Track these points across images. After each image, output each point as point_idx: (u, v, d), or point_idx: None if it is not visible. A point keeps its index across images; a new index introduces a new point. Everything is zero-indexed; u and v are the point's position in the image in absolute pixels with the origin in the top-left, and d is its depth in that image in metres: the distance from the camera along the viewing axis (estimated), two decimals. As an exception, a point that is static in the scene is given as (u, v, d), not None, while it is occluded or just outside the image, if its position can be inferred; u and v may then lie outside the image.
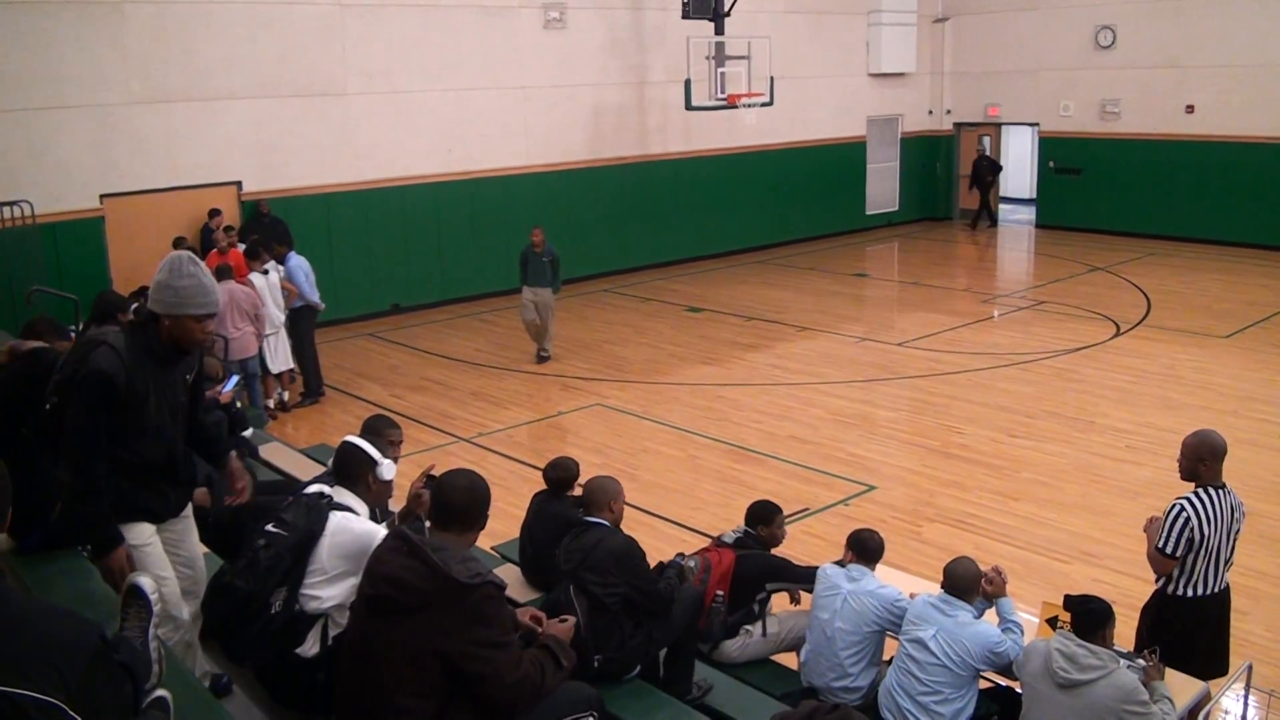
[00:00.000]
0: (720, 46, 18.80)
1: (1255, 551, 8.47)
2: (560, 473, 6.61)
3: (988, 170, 24.09)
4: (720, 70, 18.75)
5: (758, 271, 20.38)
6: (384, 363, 14.61)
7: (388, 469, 4.49)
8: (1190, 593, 5.54)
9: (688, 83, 18.34)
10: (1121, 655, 4.96)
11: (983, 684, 5.40)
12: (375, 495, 4.52)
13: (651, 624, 5.25)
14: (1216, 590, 5.58)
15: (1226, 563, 5.59)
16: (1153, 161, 22.02)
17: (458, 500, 3.85)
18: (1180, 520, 5.42)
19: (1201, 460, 5.49)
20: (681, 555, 6.06)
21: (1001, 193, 25.80)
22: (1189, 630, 5.52)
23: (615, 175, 19.63)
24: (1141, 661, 5.11)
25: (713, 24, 18.82)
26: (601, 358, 14.57)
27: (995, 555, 8.05)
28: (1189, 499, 5.46)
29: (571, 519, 6.48)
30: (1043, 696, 4.79)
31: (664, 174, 20.34)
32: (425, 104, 17.11)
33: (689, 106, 18.64)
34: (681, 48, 18.41)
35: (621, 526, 5.47)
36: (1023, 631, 5.33)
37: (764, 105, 19.39)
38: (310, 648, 4.17)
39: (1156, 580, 5.70)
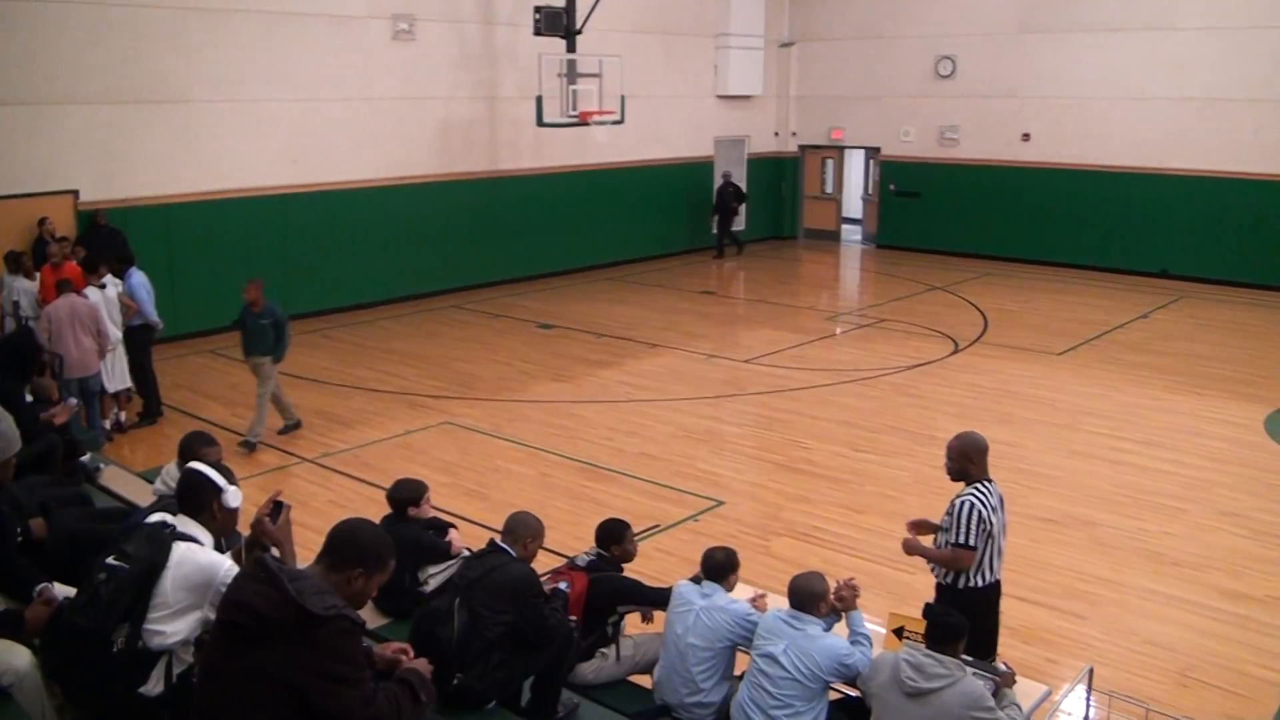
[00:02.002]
0: (572, 64, 18.84)
1: (1091, 558, 8.88)
2: (404, 492, 6.54)
3: (733, 198, 23.77)
4: (572, 88, 18.78)
5: (608, 288, 20.47)
6: (225, 381, 14.15)
7: (233, 496, 4.36)
8: (979, 582, 5.96)
9: (539, 99, 18.33)
10: (969, 664, 5.10)
11: (832, 695, 5.49)
12: (221, 524, 4.37)
13: (528, 657, 5.23)
14: (998, 577, 6.04)
15: (1001, 551, 6.02)
16: (989, 186, 22.97)
17: (339, 532, 3.72)
18: (975, 514, 5.83)
19: (970, 459, 5.97)
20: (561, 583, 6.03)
21: (845, 213, 26.50)
22: (980, 617, 5.81)
23: (465, 190, 19.47)
24: (1001, 665, 5.28)
25: (564, 41, 18.85)
26: (450, 375, 14.40)
27: (842, 567, 8.22)
28: (974, 493, 5.89)
29: (422, 541, 6.43)
30: (891, 706, 4.89)
31: (515, 190, 20.28)
32: (271, 114, 16.69)
33: (540, 123, 18.62)
34: (533, 64, 18.40)
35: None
36: (872, 643, 5.46)
37: (615, 123, 19.50)
38: (155, 686, 4.00)
39: (944, 578, 6.04)
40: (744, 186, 24.23)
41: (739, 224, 24.31)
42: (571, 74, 18.86)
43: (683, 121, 23.33)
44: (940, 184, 23.65)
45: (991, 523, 5.90)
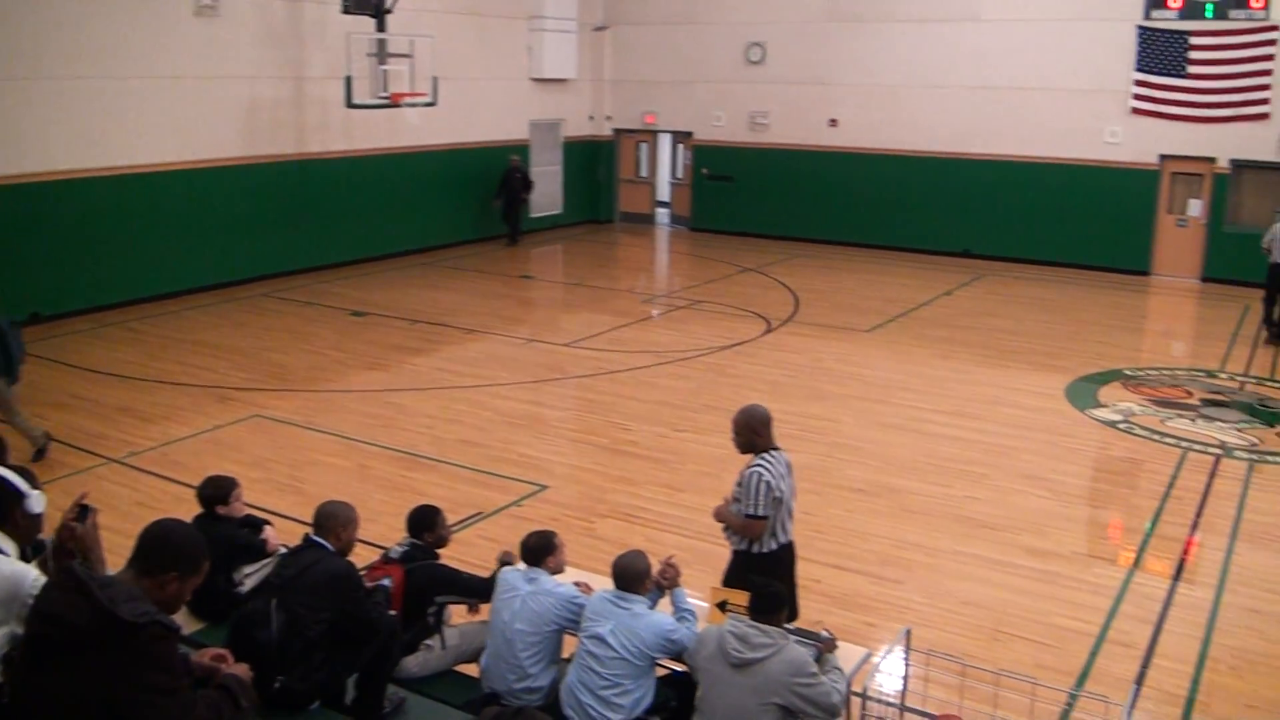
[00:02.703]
0: (382, 44, 18.43)
1: (905, 526, 9.19)
2: (213, 490, 6.28)
3: (521, 185, 22.88)
4: (382, 68, 18.38)
5: (423, 274, 20.12)
6: (23, 379, 13.29)
7: (36, 501, 4.11)
8: (773, 545, 6.21)
9: (348, 79, 17.87)
10: (791, 633, 5.19)
11: (660, 671, 5.51)
12: (24, 531, 4.11)
13: (351, 654, 5.07)
14: (789, 539, 6.32)
15: (791, 514, 6.28)
16: (799, 170, 23.54)
17: (150, 534, 3.54)
18: (764, 485, 6.02)
19: (755, 431, 6.18)
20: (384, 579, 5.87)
21: (659, 197, 26.73)
22: (777, 579, 5.88)
23: (272, 173, 18.80)
24: (823, 632, 5.38)
25: (374, 20, 18.41)
26: (260, 366, 13.90)
27: (666, 545, 8.25)
28: (761, 464, 6.08)
29: (235, 540, 6.18)
30: (718, 678, 4.94)
31: (324, 173, 19.69)
32: (68, 91, 15.68)
33: (349, 104, 18.15)
34: (342, 43, 17.93)
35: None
36: (696, 618, 5.51)
37: (427, 105, 19.18)
38: (-39, 710, 3.71)
39: (740, 544, 6.27)
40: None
41: (557, 210, 24.23)
42: (382, 54, 18.45)
43: (497, 104, 23.09)
44: (752, 168, 24.10)
45: (780, 490, 6.10)
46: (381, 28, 18.51)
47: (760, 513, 6.08)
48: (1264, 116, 19.35)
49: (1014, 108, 21.22)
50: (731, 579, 6.16)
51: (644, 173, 26.39)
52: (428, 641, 5.93)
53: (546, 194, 24.82)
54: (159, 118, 16.97)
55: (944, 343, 15.37)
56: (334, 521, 5.33)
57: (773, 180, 23.87)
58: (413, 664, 5.83)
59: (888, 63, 22.26)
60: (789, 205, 23.78)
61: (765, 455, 6.17)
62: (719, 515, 6.35)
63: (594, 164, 26.12)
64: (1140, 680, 6.95)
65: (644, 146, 26.14)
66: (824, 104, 23.11)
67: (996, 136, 21.51)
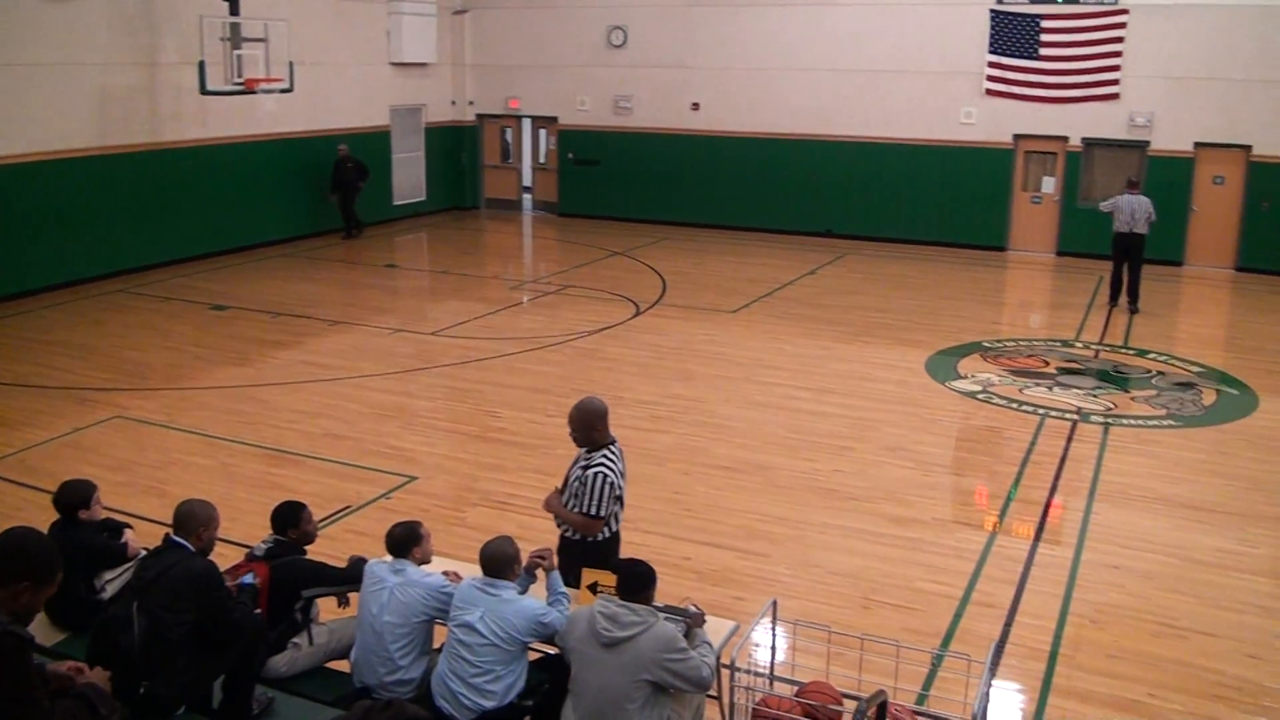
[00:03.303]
0: (236, 28, 17.91)
1: (771, 500, 9.36)
2: (71, 495, 6.08)
3: (354, 174, 21.67)
4: (236, 53, 17.86)
5: (285, 265, 19.68)
6: None
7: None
8: (604, 536, 6.29)
9: (202, 65, 17.34)
10: (661, 610, 5.24)
11: (533, 655, 5.52)
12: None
13: (216, 656, 4.97)
14: (618, 528, 6.42)
15: (623, 504, 6.41)
16: (663, 154, 23.68)
17: (3, 544, 3.48)
18: (607, 486, 6.14)
19: (593, 426, 6.23)
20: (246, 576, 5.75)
21: (526, 182, 26.60)
22: (606, 562, 6.10)
23: (126, 164, 18.11)
24: (691, 607, 5.45)
25: (228, 3, 17.88)
26: (119, 365, 13.44)
27: (538, 533, 8.23)
28: (605, 464, 6.16)
29: (95, 545, 5.99)
30: (589, 658, 4.96)
31: (180, 163, 19.06)
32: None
33: (204, 91, 17.60)
34: (195, 27, 17.38)
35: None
36: (569, 600, 5.52)
37: (284, 91, 18.75)
38: None
39: (572, 534, 6.36)
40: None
41: (420, 197, 23.89)
42: (236, 38, 17.93)
43: (356, 90, 22.65)
44: (617, 152, 24.16)
45: (620, 486, 6.23)
46: (235, 11, 17.99)
47: (602, 513, 6.18)
48: (1114, 96, 20.15)
49: (872, 89, 21.68)
50: (567, 567, 6.16)
51: (509, 158, 26.22)
52: (295, 639, 5.81)
53: (409, 181, 24.49)
54: (9, 108, 16.22)
55: (808, 321, 15.66)
56: (194, 521, 5.23)
57: (638, 164, 23.97)
58: (281, 663, 5.72)
59: (748, 46, 22.51)
60: (655, 189, 23.92)
61: (607, 451, 6.25)
62: (550, 507, 6.42)
63: (457, 150, 25.85)
64: (1004, 638, 7.22)
65: (508, 131, 25.97)
66: (687, 87, 23.28)
67: (856, 118, 21.95)
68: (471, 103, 25.75)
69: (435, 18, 24.22)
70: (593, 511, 6.19)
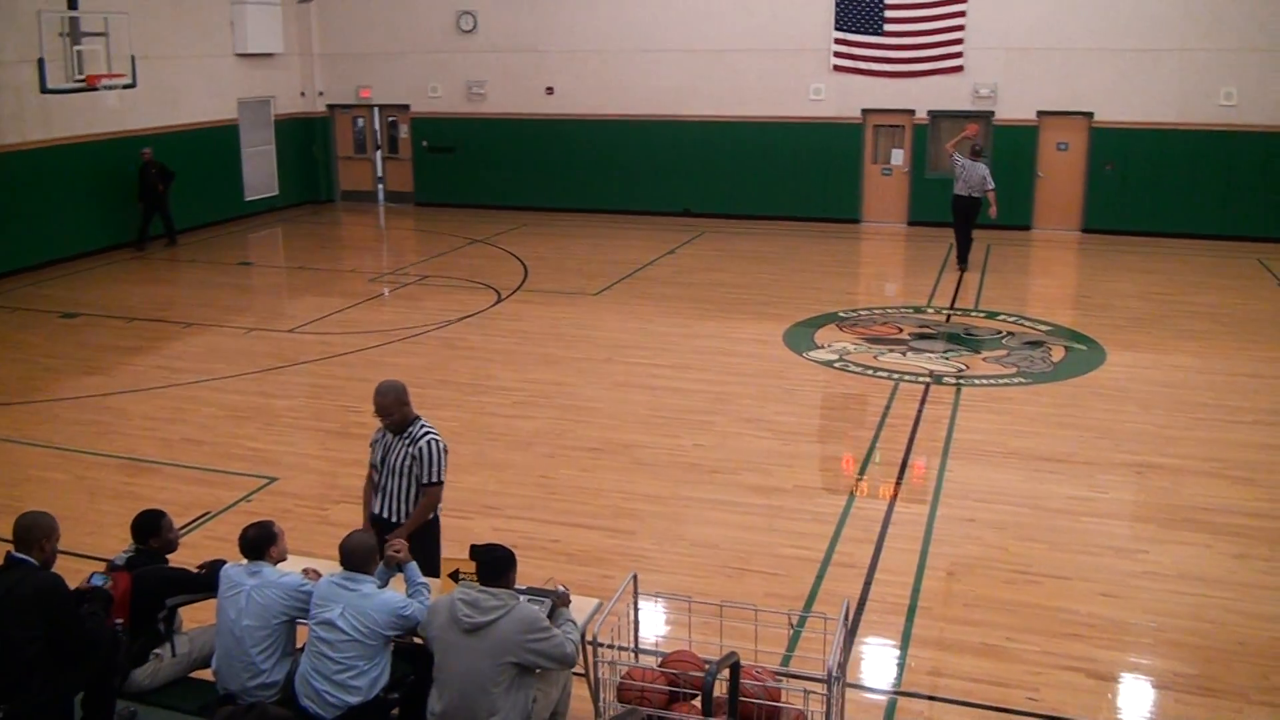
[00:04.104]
0: (75, 22, 17.26)
1: (637, 478, 9.49)
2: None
3: (157, 179, 20.04)
4: (76, 48, 17.21)
5: (135, 268, 19.05)
6: None
7: None
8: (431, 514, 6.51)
9: (40, 62, 16.66)
10: (522, 592, 5.28)
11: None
12: None
13: (73, 672, 4.84)
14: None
15: None
16: (520, 139, 23.60)
17: None
18: (443, 449, 6.41)
19: (405, 403, 6.44)
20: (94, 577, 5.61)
21: (381, 173, 26.23)
22: (435, 542, 6.50)
23: (-36, 170, 17.36)
24: (559, 587, 5.52)
25: (65, -3, 17.26)
26: (-41, 379, 12.92)
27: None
28: (432, 431, 6.43)
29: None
30: (451, 645, 4.98)
31: (19, 167, 18.17)
32: None
33: (44, 89, 16.92)
34: (33, 23, 16.68)
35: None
36: (430, 591, 5.53)
37: (127, 87, 18.15)
38: None
39: (391, 517, 6.50)
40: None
41: (273, 192, 23.34)
42: (76, 34, 17.28)
43: (201, 83, 21.96)
44: (472, 139, 23.98)
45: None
46: (74, 5, 17.35)
47: (442, 478, 6.38)
48: (958, 69, 20.76)
49: (723, 69, 21.94)
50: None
51: (363, 149, 25.79)
52: (157, 650, 5.71)
53: (261, 175, 23.92)
54: None
55: (669, 300, 15.84)
56: (35, 533, 5.11)
57: (495, 150, 23.84)
58: (143, 675, 5.61)
59: (600, 28, 22.55)
60: (513, 175, 23.82)
61: (422, 422, 6.46)
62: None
63: (309, 142, 25.33)
64: (865, 595, 7.46)
65: (360, 121, 25.56)
66: (539, 71, 23.22)
67: (708, 97, 22.19)
68: (321, 93, 25.24)
69: (280, 6, 23.66)
70: (435, 478, 6.35)
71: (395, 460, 6.42)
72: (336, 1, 24.53)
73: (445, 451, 6.41)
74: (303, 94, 25.05)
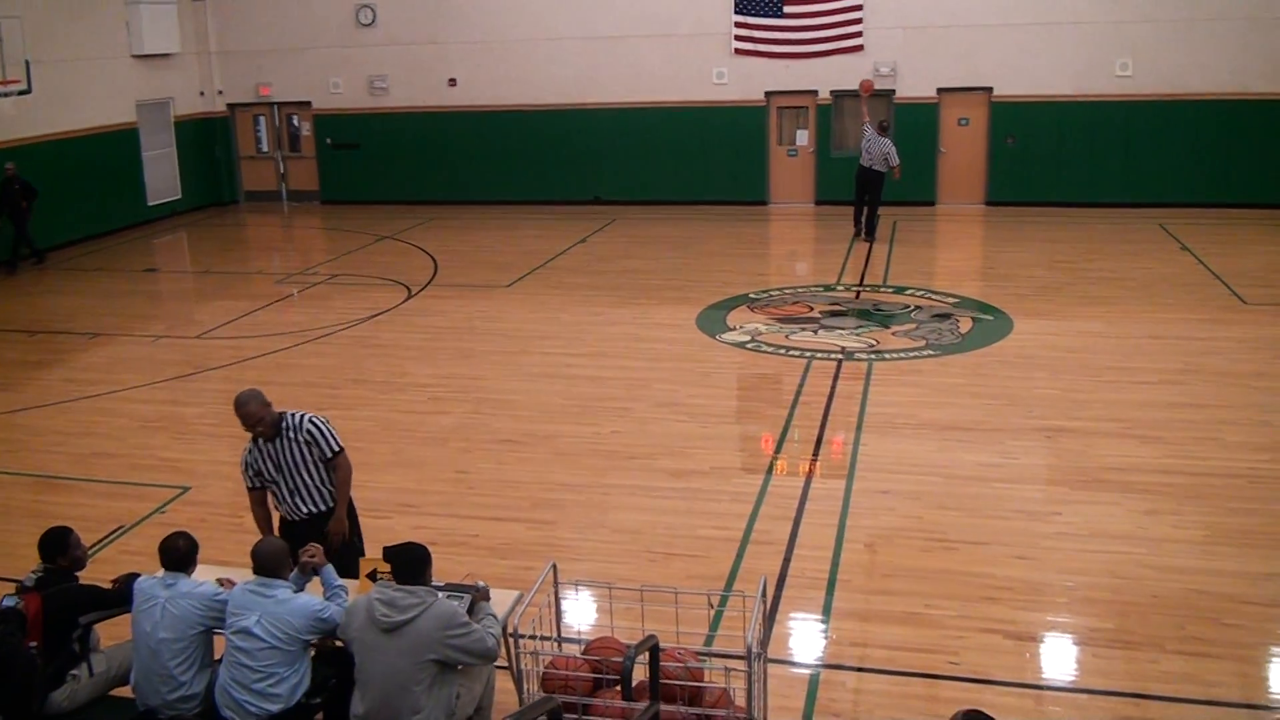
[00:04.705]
0: (-36, 27, 16.80)
1: (554, 468, 9.53)
2: None
3: (20, 195, 18.74)
4: (-31, 55, 16.77)
5: (36, 279, 18.54)
6: None
7: None
8: (323, 508, 6.62)
9: (-68, 71, 16.19)
10: (440, 589, 5.28)
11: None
12: None
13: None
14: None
15: None
16: (424, 132, 23.37)
17: None
18: (327, 422, 6.58)
19: (267, 405, 6.43)
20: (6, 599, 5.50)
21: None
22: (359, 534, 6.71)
23: None
24: (479, 583, 5.54)
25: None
26: None
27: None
28: (307, 414, 6.57)
29: None
30: (371, 645, 4.98)
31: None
32: None
33: (-66, 98, 16.46)
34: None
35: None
36: (348, 594, 5.51)
37: (22, 94, 17.68)
38: None
39: (292, 516, 6.61)
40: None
41: (175, 195, 22.85)
42: (-35, 38, 16.82)
43: (98, 87, 21.37)
44: (377, 134, 23.71)
45: None
46: (-38, 11, 16.87)
47: (341, 444, 6.54)
48: (859, 49, 21.00)
49: (625, 55, 21.94)
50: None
51: (264, 148, 25.35)
52: (74, 671, 5.61)
53: (162, 179, 23.42)
54: None
55: (581, 289, 15.87)
56: None
57: (400, 145, 23.59)
58: (61, 697, 5.51)
59: (500, 18, 22.40)
60: (419, 169, 23.61)
61: (290, 412, 6.52)
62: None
63: (210, 143, 24.85)
64: (784, 572, 7.58)
65: (261, 120, 25.13)
66: (441, 63, 23.01)
67: (612, 84, 22.18)
68: (220, 92, 24.74)
69: (175, 5, 23.13)
70: (337, 446, 6.50)
71: (289, 457, 6.44)
72: (231, -1, 24.09)
73: (327, 421, 6.55)
74: (202, 94, 24.53)
